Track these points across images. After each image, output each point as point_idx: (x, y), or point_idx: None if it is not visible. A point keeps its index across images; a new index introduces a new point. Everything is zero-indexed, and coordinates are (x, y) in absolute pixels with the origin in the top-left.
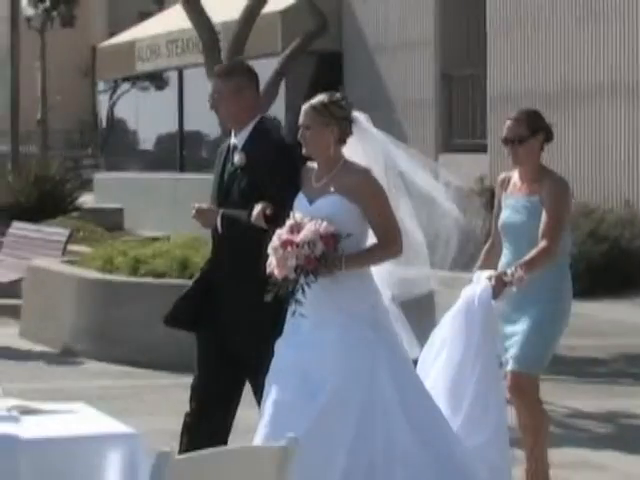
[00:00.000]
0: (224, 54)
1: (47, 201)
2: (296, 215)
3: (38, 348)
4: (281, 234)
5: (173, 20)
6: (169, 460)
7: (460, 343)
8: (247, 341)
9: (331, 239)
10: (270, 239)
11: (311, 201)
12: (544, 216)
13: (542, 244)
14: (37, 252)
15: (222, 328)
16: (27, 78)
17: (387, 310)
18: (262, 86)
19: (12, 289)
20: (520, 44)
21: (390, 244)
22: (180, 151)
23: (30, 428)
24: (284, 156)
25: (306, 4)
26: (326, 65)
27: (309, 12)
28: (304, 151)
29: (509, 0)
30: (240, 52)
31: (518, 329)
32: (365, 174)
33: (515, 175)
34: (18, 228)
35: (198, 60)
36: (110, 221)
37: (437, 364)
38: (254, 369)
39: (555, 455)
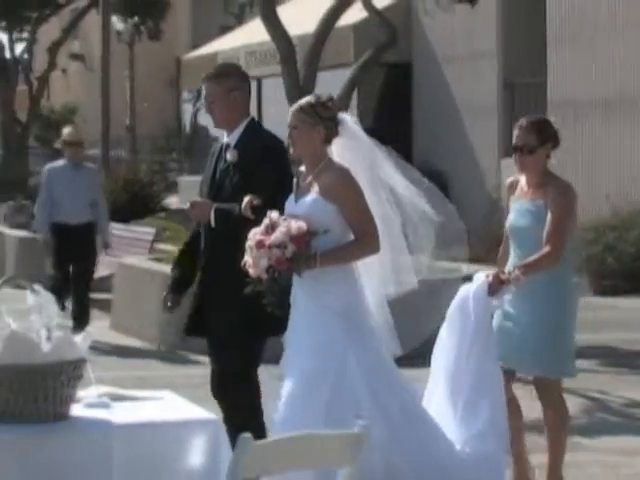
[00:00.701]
0: (300, 65)
1: (136, 202)
2: (272, 214)
3: (127, 339)
4: (256, 234)
5: (252, 33)
6: (249, 445)
7: (455, 337)
8: (226, 325)
9: (303, 239)
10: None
11: (297, 200)
12: (548, 221)
13: (545, 249)
14: (127, 250)
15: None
16: (117, 87)
17: (366, 308)
18: (336, 95)
19: (104, 284)
20: (580, 52)
21: (366, 241)
22: None
23: (121, 413)
24: (272, 153)
25: (377, 18)
26: (396, 75)
27: (380, 25)
28: (291, 151)
29: (569, 10)
30: (315, 63)
31: (528, 328)
32: (341, 173)
33: (523, 179)
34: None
35: (275, 71)
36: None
37: (437, 359)
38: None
39: (614, 442)
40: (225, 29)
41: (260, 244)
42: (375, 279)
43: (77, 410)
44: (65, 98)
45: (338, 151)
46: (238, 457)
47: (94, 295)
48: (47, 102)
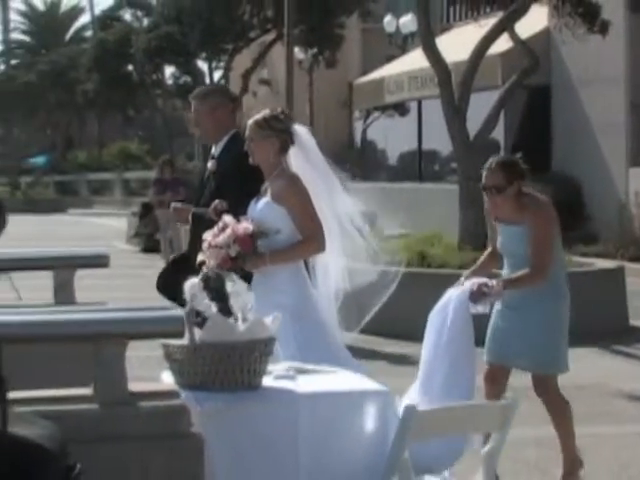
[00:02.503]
0: (455, 87)
1: None
2: (225, 218)
3: None
4: (208, 235)
5: (414, 61)
6: (414, 413)
7: (434, 334)
8: None
9: (247, 239)
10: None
11: (256, 203)
12: (531, 243)
13: (530, 270)
14: None
15: None
16: (299, 108)
17: (314, 305)
18: (486, 114)
19: None
20: None
21: (311, 241)
22: (419, 165)
23: (304, 385)
24: (241, 163)
25: (521, 47)
26: (538, 97)
27: (524, 53)
28: (250, 160)
29: None
30: (468, 86)
31: (521, 328)
32: (290, 179)
33: None
34: None
35: (434, 93)
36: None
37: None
38: None
39: None
40: (390, 58)
41: (209, 245)
42: (330, 276)
43: (267, 381)
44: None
45: (293, 159)
46: (405, 423)
47: None
48: (240, 120)
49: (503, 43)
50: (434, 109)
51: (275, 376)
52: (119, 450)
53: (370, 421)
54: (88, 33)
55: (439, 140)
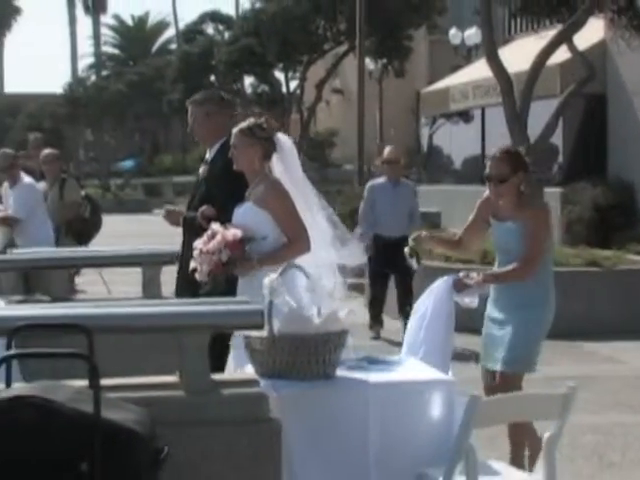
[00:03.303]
0: (516, 96)
1: None
2: (213, 225)
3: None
4: (199, 243)
5: (478, 71)
6: (478, 402)
7: (419, 319)
8: None
9: (237, 245)
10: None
11: (239, 209)
12: (524, 242)
13: (518, 266)
14: None
15: None
16: (369, 115)
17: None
18: (544, 122)
19: (359, 269)
20: None
21: (296, 242)
22: (482, 169)
23: (375, 374)
24: (228, 169)
25: (579, 58)
26: (594, 104)
27: (582, 64)
28: (234, 166)
29: None
30: (529, 94)
31: (506, 332)
32: (271, 184)
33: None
34: None
35: (497, 101)
36: (431, 221)
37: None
38: None
39: None
40: (455, 68)
41: (200, 251)
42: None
43: (340, 371)
44: (328, 124)
45: (275, 165)
46: (469, 411)
47: (350, 280)
48: (314, 127)
49: (562, 54)
50: (496, 116)
51: (348, 366)
52: (203, 434)
53: (436, 409)
54: (173, 46)
55: (501, 145)
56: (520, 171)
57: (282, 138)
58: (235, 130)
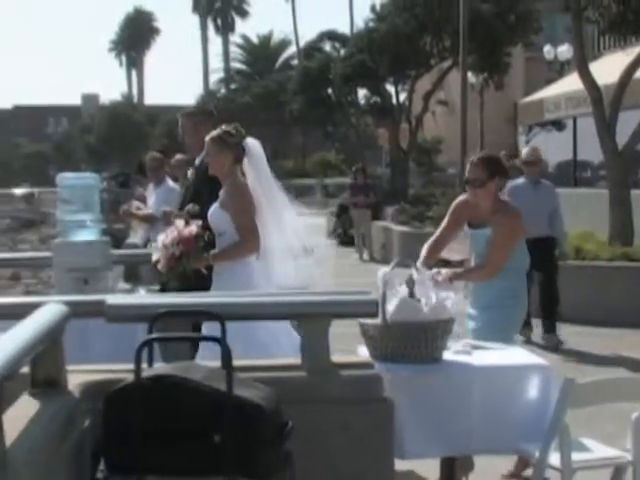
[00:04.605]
0: (606, 106)
1: None
2: (177, 222)
3: None
4: (161, 236)
5: (570, 83)
6: (572, 384)
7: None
8: None
9: (192, 241)
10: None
11: (211, 209)
12: (492, 243)
13: (483, 267)
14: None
15: None
16: (471, 124)
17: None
18: (632, 130)
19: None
20: None
21: (245, 242)
22: (574, 173)
23: (479, 359)
24: (207, 173)
25: None
26: None
27: None
28: (209, 171)
29: None
30: (617, 105)
31: (477, 328)
32: (234, 187)
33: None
34: None
35: (587, 111)
36: None
37: None
38: None
39: None
40: (549, 81)
41: (162, 245)
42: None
43: (447, 355)
44: (434, 132)
45: (247, 169)
46: (564, 393)
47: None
48: (421, 135)
49: None
50: (587, 125)
51: (454, 351)
52: (323, 411)
53: (533, 390)
54: (294, 62)
55: (591, 151)
56: (497, 176)
57: (251, 143)
58: (207, 138)
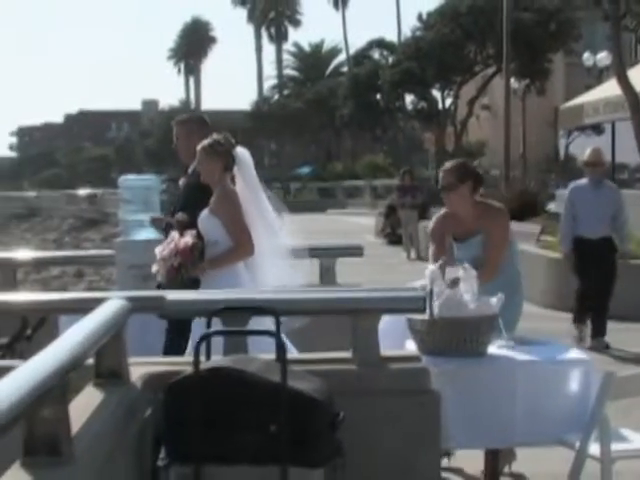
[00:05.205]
0: None
1: (527, 207)
2: (173, 233)
3: None
4: (158, 249)
5: (609, 89)
6: (612, 377)
7: None
8: None
9: (189, 251)
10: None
11: (201, 217)
12: (488, 246)
13: (483, 272)
14: (519, 240)
15: None
16: (514, 128)
17: None
18: None
19: None
20: None
21: (239, 247)
22: (612, 174)
23: (522, 353)
24: (199, 180)
25: None
26: None
27: None
28: (201, 179)
29: None
30: None
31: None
32: (224, 194)
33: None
34: None
35: (625, 116)
36: None
37: None
38: None
39: None
40: (589, 87)
41: (160, 257)
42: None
43: (491, 350)
44: (478, 136)
45: (237, 177)
46: (604, 386)
47: None
48: (466, 138)
49: None
50: (625, 129)
51: (498, 345)
52: (373, 402)
53: (574, 383)
54: (344, 69)
55: (629, 154)
56: (468, 180)
57: (240, 152)
58: (198, 147)
